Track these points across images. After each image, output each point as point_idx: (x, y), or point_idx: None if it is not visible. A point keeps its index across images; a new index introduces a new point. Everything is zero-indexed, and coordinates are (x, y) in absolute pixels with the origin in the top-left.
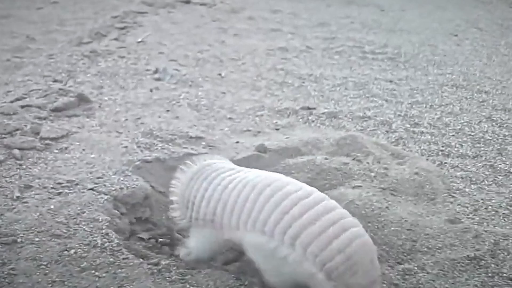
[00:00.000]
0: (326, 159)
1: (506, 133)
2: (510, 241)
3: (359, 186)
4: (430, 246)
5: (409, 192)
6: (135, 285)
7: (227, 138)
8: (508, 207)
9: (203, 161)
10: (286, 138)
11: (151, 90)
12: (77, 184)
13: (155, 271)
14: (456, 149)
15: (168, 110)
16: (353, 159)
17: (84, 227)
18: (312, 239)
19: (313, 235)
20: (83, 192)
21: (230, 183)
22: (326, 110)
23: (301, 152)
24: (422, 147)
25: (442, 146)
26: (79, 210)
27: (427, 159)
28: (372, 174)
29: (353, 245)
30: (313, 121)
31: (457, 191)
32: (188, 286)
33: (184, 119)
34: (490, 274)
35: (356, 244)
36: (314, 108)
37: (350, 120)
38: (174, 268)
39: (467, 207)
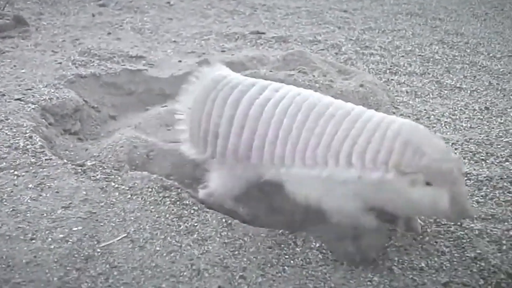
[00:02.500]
0: (271, 71)
1: (456, 54)
2: (450, 144)
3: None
4: None
5: (353, 102)
6: (57, 183)
7: (170, 58)
8: (450, 116)
9: (213, 73)
10: (232, 55)
11: (93, 15)
12: (3, 95)
13: (80, 171)
14: (404, 68)
15: (109, 33)
16: (299, 72)
17: (7, 131)
18: (365, 147)
19: (365, 144)
20: (9, 102)
21: (266, 105)
22: (275, 35)
23: (246, 66)
24: (370, 66)
25: (391, 65)
26: (3, 117)
27: (374, 75)
28: (317, 85)
29: (405, 131)
30: (261, 44)
31: (401, 103)
32: (113, 184)
33: (126, 40)
34: None
35: (407, 129)
36: (264, 33)
37: (299, 43)
38: (100, 168)
39: (409, 117)
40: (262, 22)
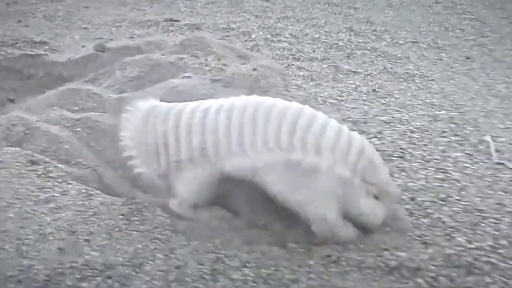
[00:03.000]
0: (163, 55)
1: (360, 41)
2: None
3: (188, 77)
4: None
5: (242, 85)
6: None
7: (75, 44)
8: (337, 97)
9: (146, 104)
10: (131, 39)
11: (7, 4)
12: None
13: None
14: (307, 54)
15: (20, 21)
16: (191, 56)
17: None
18: (334, 143)
19: (334, 140)
20: None
21: (208, 112)
22: (189, 23)
23: (142, 51)
24: (275, 52)
25: (295, 52)
26: None
27: (274, 60)
28: (207, 68)
29: (368, 146)
30: (172, 31)
31: (294, 87)
32: None
33: (34, 27)
34: None
35: (368, 144)
36: (178, 21)
37: (211, 31)
38: None
39: (297, 98)
40: (181, 11)
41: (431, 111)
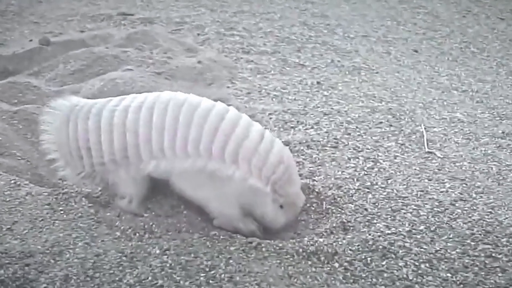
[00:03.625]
0: (107, 48)
1: (312, 34)
2: (267, 114)
3: (130, 70)
4: None
5: (186, 78)
6: None
7: (23, 38)
8: (281, 89)
9: (66, 103)
10: (80, 33)
11: None
12: None
13: None
14: (258, 47)
15: None
16: (135, 49)
17: None
18: (252, 153)
19: (253, 150)
20: None
21: (128, 111)
22: (142, 16)
23: (87, 44)
24: (225, 46)
25: (246, 45)
26: None
27: (224, 55)
28: (151, 61)
29: (286, 157)
30: (124, 25)
31: (240, 79)
32: None
33: None
34: None
35: (288, 156)
36: (132, 15)
37: (164, 24)
38: None
39: (241, 91)
40: (136, 5)
41: (371, 102)
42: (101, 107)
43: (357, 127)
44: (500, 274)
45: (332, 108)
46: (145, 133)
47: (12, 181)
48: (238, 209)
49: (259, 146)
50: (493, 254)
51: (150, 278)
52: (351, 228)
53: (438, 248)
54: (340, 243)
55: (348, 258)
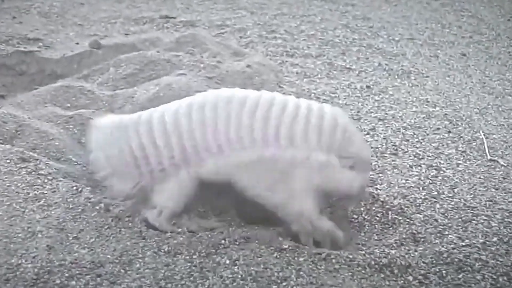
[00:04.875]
0: (158, 52)
1: (356, 37)
2: None
3: (183, 74)
4: None
5: (236, 82)
6: None
7: (70, 41)
8: (330, 94)
9: (107, 120)
10: (126, 36)
11: (2, 0)
12: None
13: None
14: (302, 50)
15: (14, 17)
16: (186, 53)
17: None
18: (306, 130)
19: (305, 126)
20: None
21: (178, 113)
22: (184, 19)
23: (137, 48)
24: (269, 49)
25: (290, 48)
26: None
27: (269, 58)
28: (202, 65)
29: (340, 118)
30: (167, 28)
31: (288, 83)
32: None
33: (28, 24)
34: None
35: (341, 116)
36: (174, 18)
37: (206, 27)
38: None
39: (290, 94)
40: (176, 7)
41: (425, 107)
42: (149, 115)
43: (414, 133)
44: None
45: (386, 113)
46: (200, 132)
47: (74, 187)
48: (315, 201)
49: (311, 120)
50: None
51: None
52: (422, 239)
53: None
54: (412, 255)
55: (422, 271)
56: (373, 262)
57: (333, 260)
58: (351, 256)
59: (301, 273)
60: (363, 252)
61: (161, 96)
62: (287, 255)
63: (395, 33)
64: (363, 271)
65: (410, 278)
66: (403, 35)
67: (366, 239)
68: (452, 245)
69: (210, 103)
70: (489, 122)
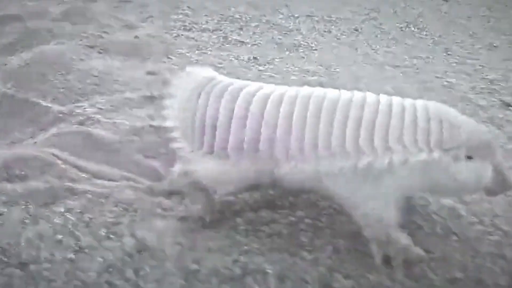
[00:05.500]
0: (42, 22)
1: (257, 14)
2: None
3: (62, 43)
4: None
5: (121, 52)
6: None
7: None
8: (217, 64)
9: (202, 73)
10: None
11: None
12: None
13: None
14: (200, 25)
15: None
16: (69, 22)
17: None
18: (400, 130)
19: (399, 126)
20: None
21: (267, 101)
22: None
23: (22, 19)
24: (168, 23)
25: (189, 23)
26: None
27: (165, 32)
28: (85, 35)
29: (433, 109)
30: (64, 2)
31: (177, 55)
32: None
33: None
34: None
35: (434, 106)
36: None
37: (107, 0)
38: None
39: (177, 65)
40: None
41: (304, 77)
42: (238, 89)
43: None
44: None
45: (265, 81)
46: (284, 128)
47: None
48: (395, 209)
49: (404, 119)
50: None
51: None
52: None
53: None
54: None
55: None
56: None
57: None
58: None
59: None
60: None
61: (33, 64)
62: None
63: (296, 10)
64: None
65: None
66: (303, 12)
67: None
68: None
69: (302, 99)
70: (360, 89)
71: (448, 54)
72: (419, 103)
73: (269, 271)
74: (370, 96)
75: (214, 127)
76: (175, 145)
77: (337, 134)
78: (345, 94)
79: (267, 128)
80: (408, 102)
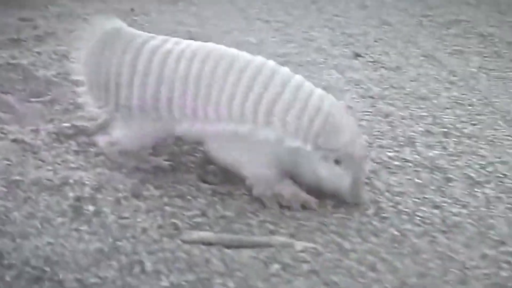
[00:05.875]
0: None
1: None
2: None
3: None
4: None
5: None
6: None
7: None
8: None
9: (110, 23)
10: None
11: None
12: None
13: None
14: None
15: None
16: None
17: None
18: (286, 110)
19: (286, 106)
20: None
21: (178, 58)
22: None
23: None
24: None
25: None
26: None
27: None
28: None
29: (327, 104)
30: None
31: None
32: None
33: None
34: None
35: (329, 102)
36: None
37: None
38: None
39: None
40: None
41: (177, 28)
42: (142, 43)
43: None
44: None
45: None
46: (181, 89)
47: None
48: (274, 170)
49: (296, 100)
50: None
51: None
52: None
53: None
54: None
55: None
56: None
57: None
58: None
59: None
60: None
61: None
62: None
63: None
64: None
65: None
66: None
67: None
68: None
69: (199, 57)
70: (226, 40)
71: (321, 12)
72: (318, 91)
73: (87, 182)
74: (268, 65)
75: (118, 85)
76: (81, 100)
77: (227, 97)
78: (243, 58)
79: (166, 87)
80: (307, 85)
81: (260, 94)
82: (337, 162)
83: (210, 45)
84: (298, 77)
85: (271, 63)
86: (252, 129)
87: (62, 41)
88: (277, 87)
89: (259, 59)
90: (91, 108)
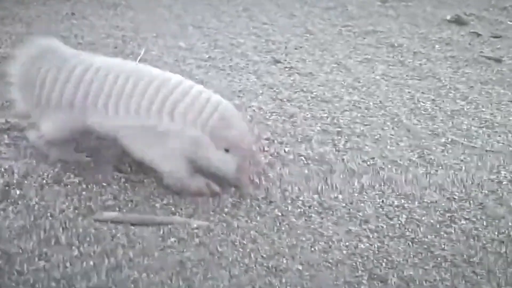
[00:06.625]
0: None
1: None
2: None
3: None
4: None
5: None
6: None
7: None
8: None
9: (40, 41)
10: None
11: None
12: None
13: None
14: None
15: None
16: None
17: None
18: (187, 108)
19: (188, 105)
20: None
21: (90, 65)
22: None
23: None
24: None
25: None
26: None
27: None
28: None
29: (222, 108)
30: None
31: None
32: None
33: None
34: None
35: (224, 107)
36: None
37: None
38: None
39: None
40: None
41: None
42: (70, 55)
43: None
44: None
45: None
46: (96, 91)
47: None
48: (184, 165)
49: (195, 102)
50: None
51: None
52: None
53: None
54: None
55: None
56: None
57: None
58: None
59: None
60: None
61: None
62: None
63: None
64: None
65: None
66: None
67: None
68: None
69: (116, 71)
70: (157, 44)
71: (252, 20)
72: (215, 97)
73: (16, 170)
74: (176, 78)
75: (42, 84)
76: (12, 96)
77: (135, 101)
78: (154, 73)
79: (82, 89)
80: (207, 92)
81: (166, 96)
82: (226, 150)
83: (127, 63)
84: (199, 87)
85: (178, 77)
86: (157, 123)
87: (4, 44)
88: (180, 93)
89: (167, 74)
90: (22, 106)
